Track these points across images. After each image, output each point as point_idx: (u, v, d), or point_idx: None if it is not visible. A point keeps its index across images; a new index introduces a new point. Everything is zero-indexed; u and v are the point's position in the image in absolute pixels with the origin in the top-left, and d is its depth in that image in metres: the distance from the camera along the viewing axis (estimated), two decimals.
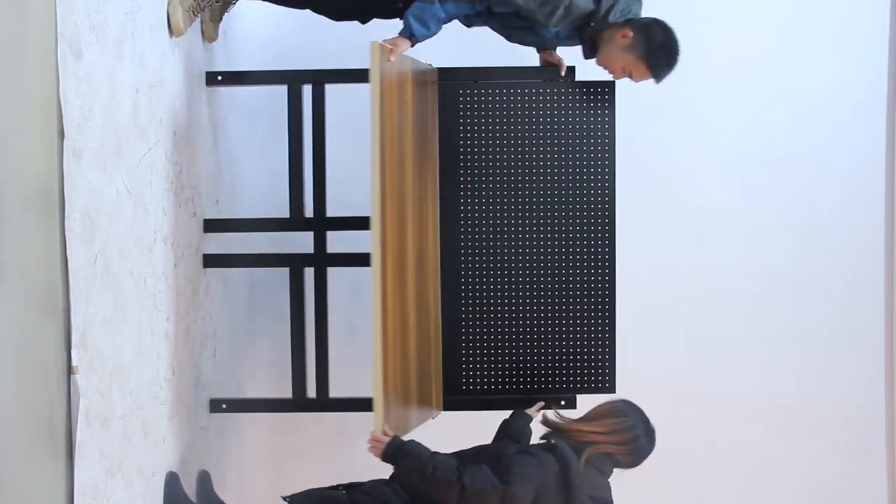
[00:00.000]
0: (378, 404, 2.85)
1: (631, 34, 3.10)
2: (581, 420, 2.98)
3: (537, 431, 3.11)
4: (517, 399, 3.40)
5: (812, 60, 4.43)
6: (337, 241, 3.61)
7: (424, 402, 3.30)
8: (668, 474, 3.98)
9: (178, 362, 3.15)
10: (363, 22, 3.45)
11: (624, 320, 3.50)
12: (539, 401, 3.33)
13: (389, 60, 2.93)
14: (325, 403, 3.57)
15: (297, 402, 3.58)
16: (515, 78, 3.41)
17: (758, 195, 4.45)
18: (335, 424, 4.33)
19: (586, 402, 3.18)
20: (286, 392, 3.61)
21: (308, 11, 3.44)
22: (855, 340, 4.48)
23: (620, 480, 2.93)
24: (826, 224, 4.46)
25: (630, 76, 3.19)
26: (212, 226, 3.51)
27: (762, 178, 4.45)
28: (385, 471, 2.96)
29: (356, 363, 3.87)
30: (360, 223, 3.34)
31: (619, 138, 3.42)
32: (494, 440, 3.22)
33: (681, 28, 3.20)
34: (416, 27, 3.02)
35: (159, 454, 2.97)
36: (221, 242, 3.63)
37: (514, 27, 3.21)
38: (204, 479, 3.37)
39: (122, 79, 2.66)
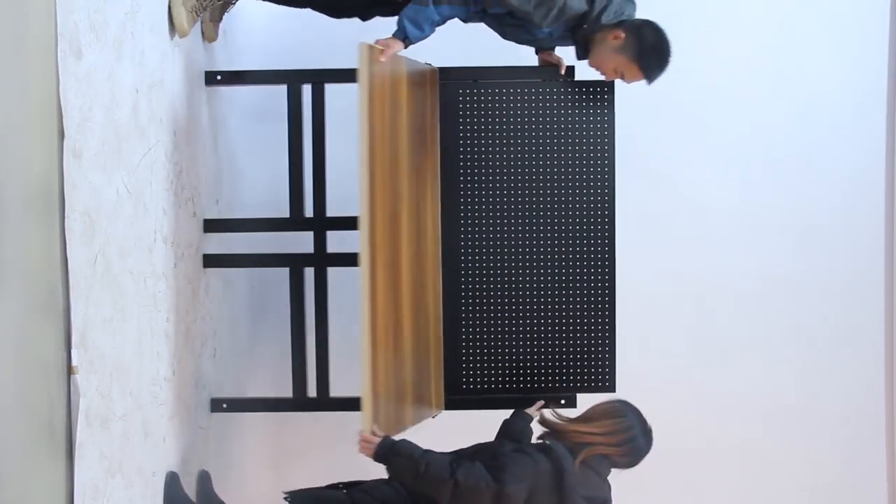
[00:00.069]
0: (366, 404, 2.86)
1: (623, 35, 3.11)
2: (578, 420, 2.98)
3: (538, 432, 3.11)
4: (518, 398, 3.40)
5: (812, 60, 4.43)
6: (337, 241, 3.61)
7: (422, 401, 3.30)
8: (667, 474, 3.98)
9: (179, 362, 3.15)
10: (364, 19, 3.45)
11: (624, 320, 3.50)
12: (539, 400, 3.33)
13: (380, 61, 2.93)
14: (325, 403, 3.57)
15: (298, 402, 3.59)
16: (515, 78, 3.41)
17: (758, 195, 4.45)
18: (335, 424, 4.32)
19: (586, 402, 3.18)
20: (286, 392, 3.61)
21: (308, 10, 3.44)
22: (855, 340, 4.48)
23: (620, 480, 2.93)
24: (826, 224, 4.45)
25: (622, 77, 3.20)
26: (212, 226, 3.51)
27: (762, 178, 4.45)
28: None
29: (356, 362, 3.85)
30: None
31: (619, 138, 3.42)
32: (495, 440, 3.21)
33: (681, 28, 3.20)
34: (411, 29, 3.03)
35: (159, 454, 2.97)
36: (221, 242, 3.63)
37: (508, 24, 3.23)
38: (204, 479, 3.37)
39: (122, 79, 2.66)
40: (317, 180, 3.54)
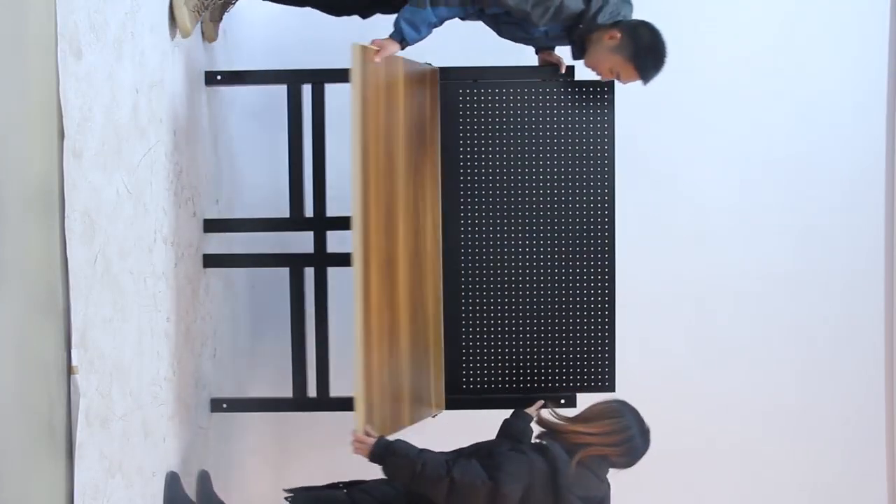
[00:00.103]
0: (359, 404, 2.86)
1: (619, 36, 3.11)
2: (576, 421, 2.97)
3: (537, 431, 3.11)
4: (518, 398, 3.40)
5: (812, 60, 4.43)
6: (337, 241, 3.61)
7: (420, 401, 3.30)
8: (667, 474, 3.98)
9: (179, 362, 3.15)
10: (364, 17, 3.45)
11: (624, 320, 3.50)
12: (539, 400, 3.33)
13: (375, 62, 2.93)
14: (325, 403, 3.58)
15: (297, 402, 3.59)
16: (515, 77, 3.41)
17: (758, 195, 4.45)
18: (335, 424, 4.32)
19: (586, 402, 3.17)
20: (286, 392, 3.61)
21: (308, 9, 3.44)
22: (855, 340, 4.48)
23: (619, 480, 2.92)
24: (826, 224, 4.46)
25: (618, 77, 3.20)
26: (212, 226, 3.51)
27: (762, 178, 4.45)
28: None
29: None
30: None
31: (619, 138, 3.42)
32: (494, 440, 3.21)
33: (681, 28, 3.20)
34: (408, 31, 3.03)
35: (159, 454, 2.97)
36: (221, 242, 3.63)
37: (504, 23, 3.23)
38: (204, 479, 3.37)
39: (122, 79, 2.66)
40: (317, 180, 3.54)
